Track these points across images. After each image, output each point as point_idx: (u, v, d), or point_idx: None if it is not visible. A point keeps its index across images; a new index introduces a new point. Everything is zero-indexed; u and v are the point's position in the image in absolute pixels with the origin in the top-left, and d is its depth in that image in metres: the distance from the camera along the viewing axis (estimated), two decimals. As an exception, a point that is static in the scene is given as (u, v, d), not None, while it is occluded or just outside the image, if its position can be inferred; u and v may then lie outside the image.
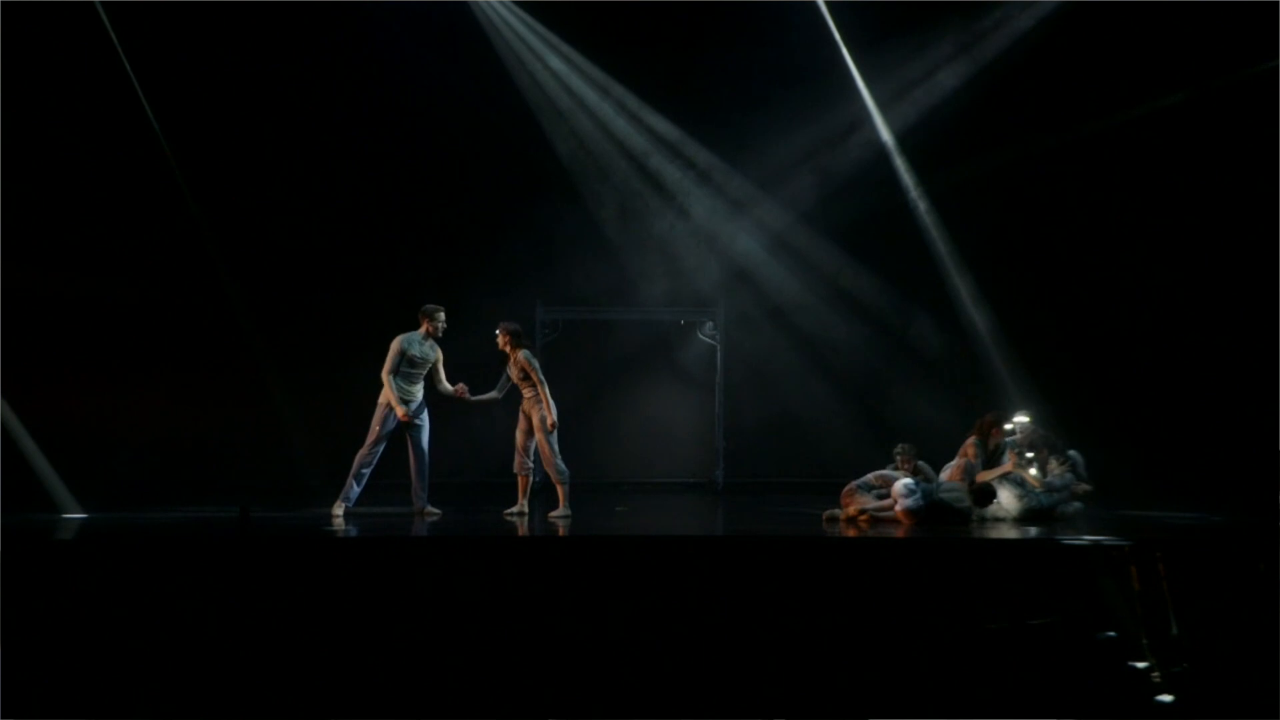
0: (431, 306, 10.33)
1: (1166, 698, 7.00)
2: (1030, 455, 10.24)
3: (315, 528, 9.17)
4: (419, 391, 10.21)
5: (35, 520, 9.67)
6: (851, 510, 9.87)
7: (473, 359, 13.24)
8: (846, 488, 10.26)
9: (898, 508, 9.65)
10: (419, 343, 10.21)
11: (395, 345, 10.12)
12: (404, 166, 13.64)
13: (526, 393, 10.16)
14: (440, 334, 10.30)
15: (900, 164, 13.82)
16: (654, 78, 13.84)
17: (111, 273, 13.03)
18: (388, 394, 10.09)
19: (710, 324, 14.06)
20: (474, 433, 13.11)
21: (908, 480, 9.80)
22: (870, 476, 10.40)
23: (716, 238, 14.12)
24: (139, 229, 13.09)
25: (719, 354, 14.08)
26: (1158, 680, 7.07)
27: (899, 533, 9.08)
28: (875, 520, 9.69)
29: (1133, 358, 13.22)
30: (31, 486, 11.30)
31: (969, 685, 7.12)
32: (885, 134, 13.82)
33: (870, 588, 7.58)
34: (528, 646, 7.23)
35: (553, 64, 13.84)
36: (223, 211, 13.31)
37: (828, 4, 13.49)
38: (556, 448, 9.99)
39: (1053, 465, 10.60)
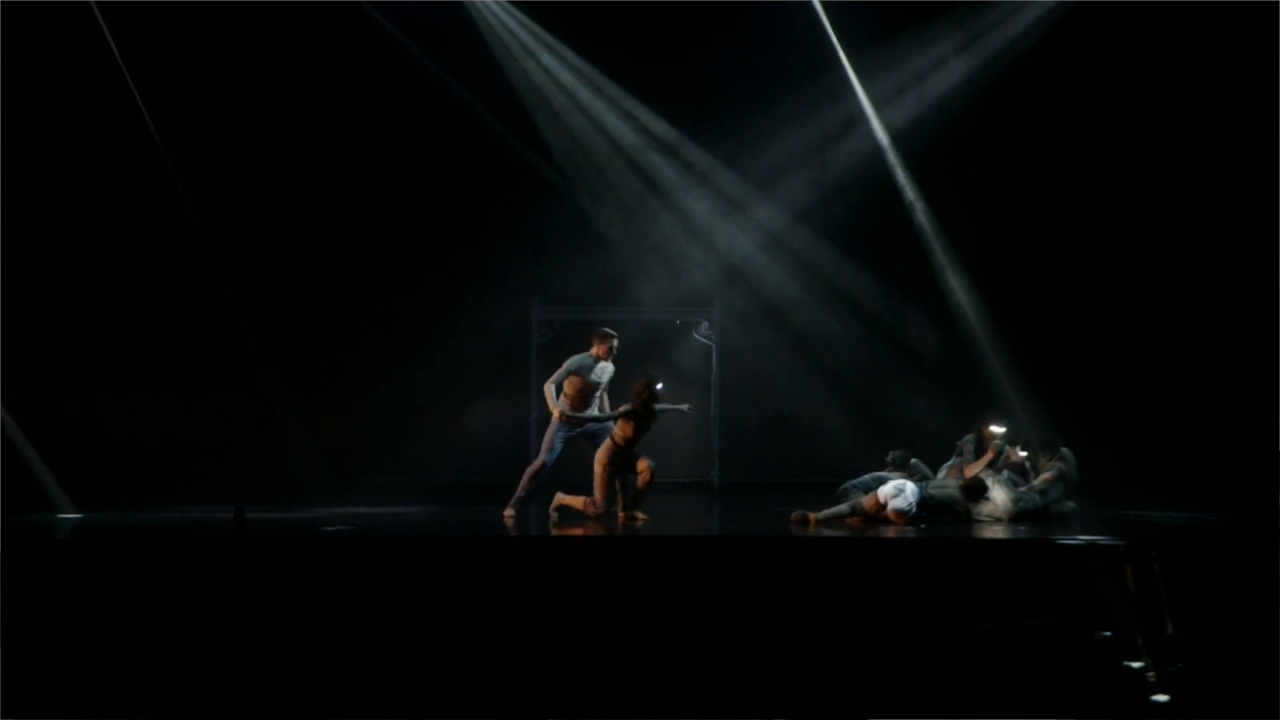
0: (605, 330, 10.25)
1: (1162, 698, 7.03)
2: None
3: (312, 527, 9.20)
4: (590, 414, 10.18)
5: (33, 520, 9.68)
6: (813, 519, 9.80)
7: (465, 359, 13.33)
8: (840, 489, 10.28)
9: (889, 508, 9.65)
10: (590, 366, 10.12)
11: (567, 363, 10.09)
12: (399, 165, 13.61)
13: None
14: (612, 356, 10.22)
15: (896, 162, 13.85)
16: (650, 76, 13.84)
17: (106, 272, 12.99)
18: (549, 401, 10.06)
19: (706, 324, 14.08)
20: (471, 432, 13.14)
21: (896, 480, 9.81)
22: (867, 478, 10.42)
23: (712, 237, 14.13)
24: (134, 228, 13.04)
25: (714, 354, 14.10)
26: (1153, 680, 7.09)
27: (891, 532, 9.11)
28: (869, 520, 9.70)
29: (1130, 356, 13.25)
30: (28, 486, 11.32)
31: (965, 686, 7.15)
32: (881, 133, 13.84)
33: (866, 588, 7.61)
34: (524, 647, 7.25)
35: (547, 63, 13.84)
36: (218, 210, 13.27)
37: (823, 3, 13.51)
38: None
39: (1044, 463, 10.64)
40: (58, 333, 12.90)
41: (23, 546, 7.88)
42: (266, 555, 7.83)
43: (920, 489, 9.71)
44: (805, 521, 9.63)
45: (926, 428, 12.26)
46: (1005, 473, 10.32)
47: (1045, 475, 10.50)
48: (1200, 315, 13.04)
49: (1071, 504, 10.51)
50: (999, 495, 9.95)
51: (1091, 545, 7.79)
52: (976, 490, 9.85)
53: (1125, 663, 7.19)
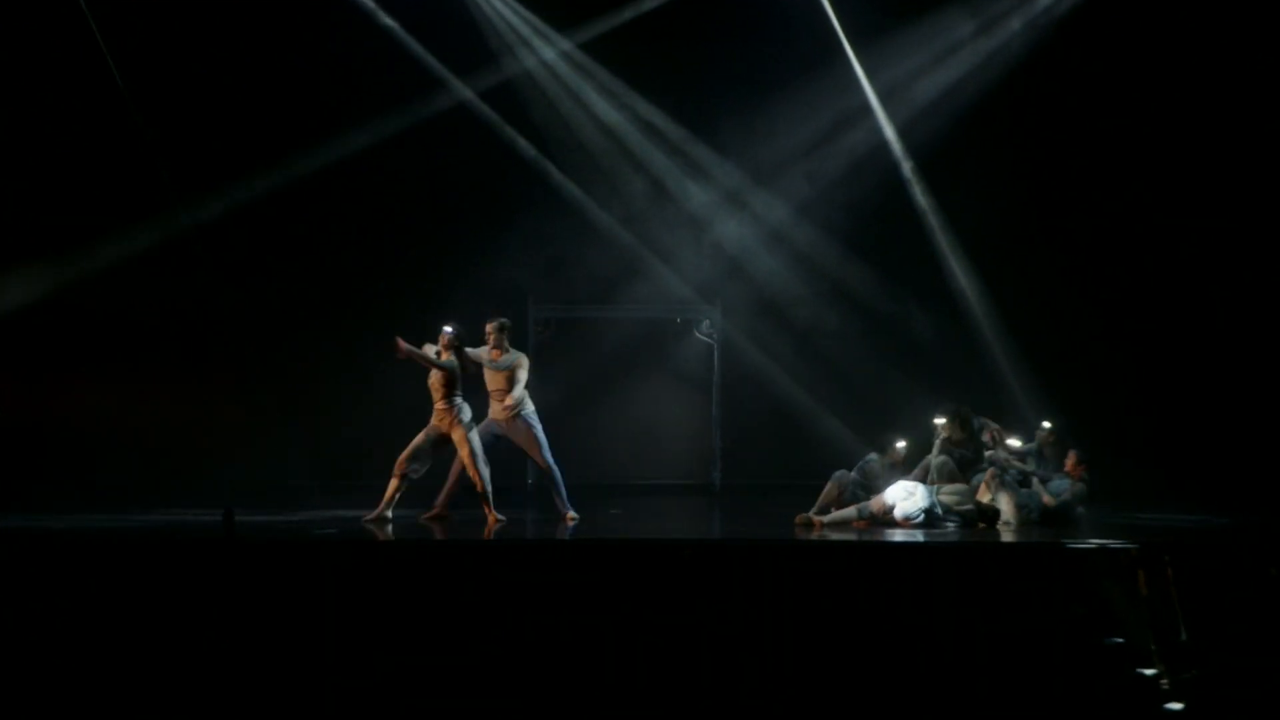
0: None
1: (1176, 705, 7.03)
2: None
3: (303, 531, 9.19)
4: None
5: (16, 524, 9.65)
6: (818, 522, 9.77)
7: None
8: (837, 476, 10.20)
9: (896, 512, 9.64)
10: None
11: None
12: (393, 161, 13.58)
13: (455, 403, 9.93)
14: (493, 343, 10.24)
15: (902, 155, 13.83)
16: (650, 68, 13.82)
17: (96, 272, 12.97)
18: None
19: (707, 322, 14.06)
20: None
21: (905, 483, 9.81)
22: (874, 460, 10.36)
23: (714, 233, 14.11)
24: (125, 228, 13.01)
25: (716, 352, 14.08)
26: (1166, 687, 7.09)
27: (898, 536, 9.08)
28: (876, 524, 9.68)
29: (1141, 354, 13.23)
30: (12, 488, 11.33)
31: (972, 692, 7.14)
32: (886, 126, 13.82)
33: (872, 592, 7.60)
34: (520, 651, 7.24)
35: (546, 55, 13.81)
36: (209, 210, 13.24)
37: (828, -7, 13.55)
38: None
39: (1070, 459, 10.58)
40: (47, 333, 12.91)
41: (7, 549, 7.89)
42: (256, 559, 7.81)
43: (929, 493, 9.70)
44: (810, 524, 9.63)
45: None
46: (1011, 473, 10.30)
47: (1070, 484, 10.44)
48: (1212, 313, 13.02)
49: (1081, 509, 10.48)
50: (1005, 505, 9.92)
51: (1102, 549, 7.79)
52: (991, 518, 9.82)
53: (1137, 670, 7.18)
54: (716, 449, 14.08)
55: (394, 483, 9.75)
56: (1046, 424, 10.86)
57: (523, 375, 10.18)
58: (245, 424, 13.15)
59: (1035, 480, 10.39)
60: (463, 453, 9.81)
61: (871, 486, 10.04)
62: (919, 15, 13.47)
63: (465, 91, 13.63)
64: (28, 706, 7.04)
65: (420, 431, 9.88)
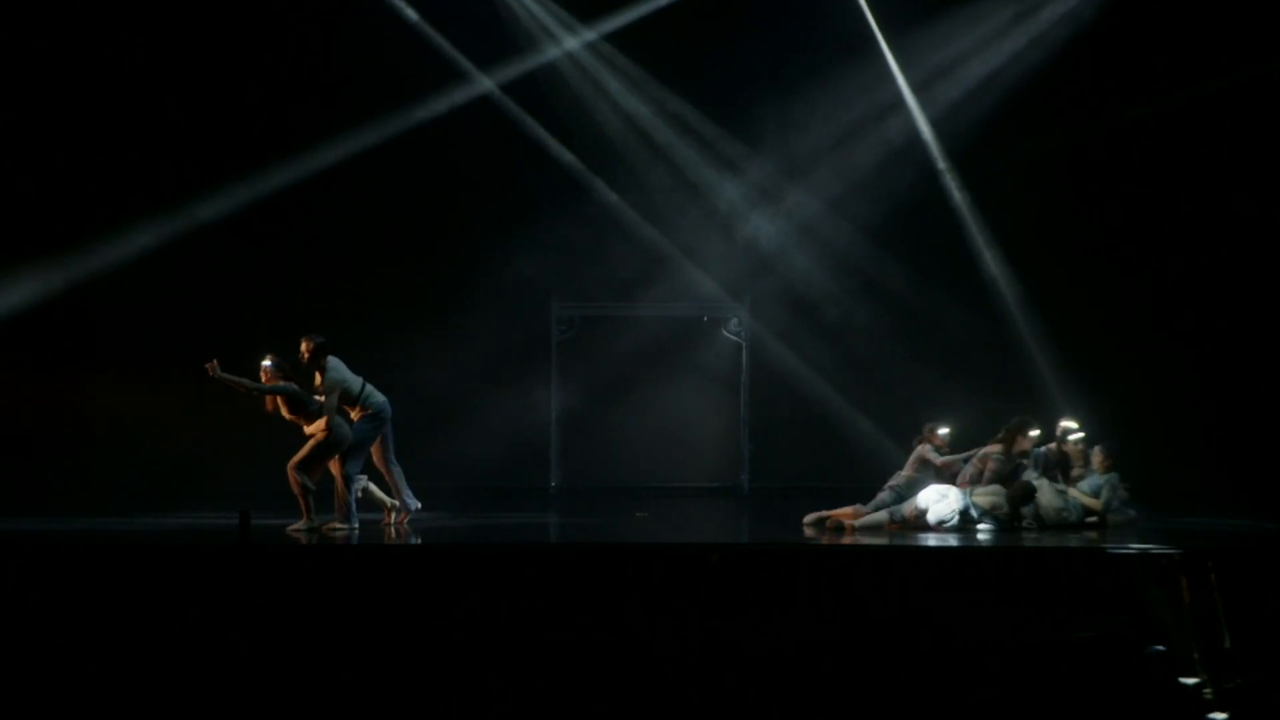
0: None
1: (1219, 715, 6.98)
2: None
3: (318, 535, 9.24)
4: None
5: (31, 527, 9.73)
6: (845, 518, 9.76)
7: (483, 357, 13.33)
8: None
9: (929, 516, 9.61)
10: None
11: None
12: (416, 158, 13.60)
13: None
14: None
15: (937, 150, 13.78)
16: (677, 63, 13.81)
17: (105, 272, 13.05)
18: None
19: (735, 320, 14.05)
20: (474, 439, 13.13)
21: (938, 485, 9.79)
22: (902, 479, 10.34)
23: (742, 229, 14.08)
24: (138, 229, 13.09)
25: (744, 351, 14.06)
26: (1210, 697, 7.05)
27: (933, 540, 9.06)
28: (909, 528, 9.66)
29: (1184, 353, 13.15)
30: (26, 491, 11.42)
31: (1010, 702, 7.11)
32: (921, 120, 13.78)
33: (907, 598, 7.58)
34: (540, 656, 7.25)
35: (571, 47, 13.80)
36: (220, 210, 13.30)
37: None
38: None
39: (1097, 456, 10.53)
40: (58, 333, 12.99)
41: (14, 553, 7.95)
42: (270, 563, 7.85)
43: (963, 496, 9.67)
44: (841, 529, 9.63)
45: (969, 429, 12.18)
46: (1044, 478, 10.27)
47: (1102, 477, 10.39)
48: (1261, 309, 12.93)
49: (1133, 512, 10.42)
50: (1044, 500, 9.88)
51: (1144, 554, 7.75)
52: (1024, 497, 9.78)
53: (1180, 678, 7.13)
54: (745, 451, 14.07)
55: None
56: (1075, 435, 10.75)
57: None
58: (263, 426, 13.17)
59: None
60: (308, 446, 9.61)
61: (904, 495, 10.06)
62: (955, 4, 13.42)
63: (488, 84, 13.64)
64: (41, 710, 7.09)
65: None
